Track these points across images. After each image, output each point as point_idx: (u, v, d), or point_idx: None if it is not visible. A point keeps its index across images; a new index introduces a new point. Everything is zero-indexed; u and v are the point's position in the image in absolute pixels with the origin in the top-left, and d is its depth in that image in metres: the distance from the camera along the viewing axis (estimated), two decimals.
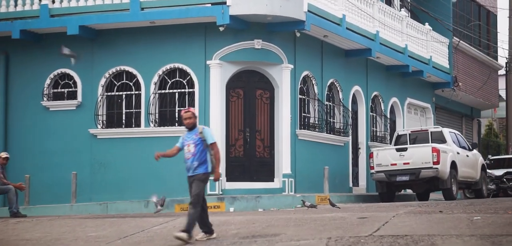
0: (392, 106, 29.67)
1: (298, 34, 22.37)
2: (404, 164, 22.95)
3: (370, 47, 25.66)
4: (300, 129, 23.13)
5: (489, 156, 34.42)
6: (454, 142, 24.57)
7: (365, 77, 27.31)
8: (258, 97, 22.39)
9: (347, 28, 24.18)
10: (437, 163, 22.63)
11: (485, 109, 43.22)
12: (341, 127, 25.25)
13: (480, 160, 26.37)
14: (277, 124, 22.42)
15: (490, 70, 38.80)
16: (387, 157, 23.28)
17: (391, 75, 29.25)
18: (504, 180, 31.37)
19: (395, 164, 23.06)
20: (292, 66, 22.69)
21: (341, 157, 25.47)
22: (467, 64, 35.78)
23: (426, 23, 31.06)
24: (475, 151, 26.24)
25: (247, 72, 22.31)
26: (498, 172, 31.32)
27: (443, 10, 32.85)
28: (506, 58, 40.88)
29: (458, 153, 24.20)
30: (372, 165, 23.49)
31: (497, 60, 40.03)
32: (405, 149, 23.22)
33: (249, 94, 22.30)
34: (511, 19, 41.88)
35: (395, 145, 24.67)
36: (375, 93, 27.97)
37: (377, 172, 23.31)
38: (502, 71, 42.27)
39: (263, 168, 22.28)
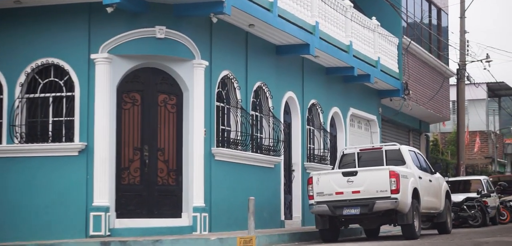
0: (332, 118, 24.92)
1: (214, 20, 17.44)
2: (353, 192, 18.31)
3: (307, 42, 20.88)
4: (217, 146, 18.31)
5: (447, 178, 30.11)
6: (414, 163, 19.89)
7: (300, 80, 22.58)
8: (161, 104, 17.46)
9: (279, 16, 19.38)
10: (396, 191, 18.01)
11: (435, 123, 39.10)
12: (271, 144, 20.40)
13: (444, 185, 21.94)
14: (186, 140, 17.60)
15: (443, 78, 34.53)
16: (330, 183, 18.55)
17: (331, 80, 24.57)
18: (464, 207, 27.36)
19: (342, 193, 18.40)
20: (207, 63, 17.79)
21: (271, 182, 20.63)
22: (418, 70, 31.42)
23: (373, 17, 26.42)
24: (437, 175, 21.65)
25: (146, 70, 17.45)
26: (457, 198, 27.23)
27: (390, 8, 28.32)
28: (458, 64, 36.74)
29: (420, 178, 19.57)
30: (311, 194, 18.71)
31: (448, 65, 35.76)
32: (354, 173, 18.46)
33: (149, 100, 17.42)
34: (462, 20, 37.97)
35: (340, 167, 19.91)
36: (312, 101, 23.21)
37: (318, 203, 18.59)
38: (453, 80, 38.18)
39: (167, 200, 17.46)
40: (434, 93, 32.98)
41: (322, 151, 23.64)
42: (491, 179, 34.03)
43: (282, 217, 21.22)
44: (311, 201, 18.74)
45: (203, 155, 17.58)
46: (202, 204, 17.43)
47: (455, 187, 29.81)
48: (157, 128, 17.42)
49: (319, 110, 23.65)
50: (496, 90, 55.84)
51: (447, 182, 24.43)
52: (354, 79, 25.26)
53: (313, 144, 23.53)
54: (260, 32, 19.74)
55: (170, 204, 17.41)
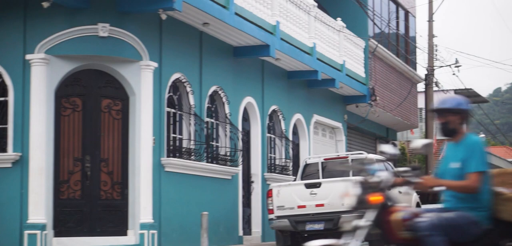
0: (295, 125, 23.55)
1: (164, 17, 15.96)
2: (317, 206, 17.06)
3: (267, 43, 19.48)
4: (168, 156, 16.81)
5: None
6: None
7: (260, 85, 21.21)
8: (104, 110, 16.00)
9: (236, 14, 17.93)
10: None
11: (403, 130, 37.95)
12: (228, 153, 18.95)
13: (414, 196, 20.68)
14: (132, 149, 16.08)
15: (411, 84, 33.36)
16: (292, 196, 17.29)
17: (294, 85, 23.21)
18: None
19: (304, 206, 17.14)
20: (156, 64, 16.33)
21: (228, 195, 19.23)
22: (385, 75, 30.17)
23: (338, 18, 25.12)
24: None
25: (88, 72, 15.99)
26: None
27: (356, 8, 27.12)
28: (427, 69, 35.61)
29: None
30: (271, 208, 17.42)
31: (416, 70, 34.62)
32: (318, 185, 17.16)
33: (91, 106, 15.97)
34: (431, 24, 36.89)
35: (302, 178, 18.61)
36: (273, 107, 21.84)
37: (279, 217, 17.32)
38: (420, 86, 37.06)
39: (111, 216, 15.97)
40: (402, 100, 31.81)
41: (283, 160, 22.28)
42: None
43: (240, 233, 19.81)
44: (271, 215, 17.46)
45: (152, 166, 16.09)
46: (150, 220, 15.93)
47: (424, 198, 28.66)
48: (100, 136, 15.92)
49: (280, 117, 22.29)
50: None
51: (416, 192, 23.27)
52: (318, 84, 23.95)
53: (274, 153, 22.16)
54: (216, 31, 18.33)
55: (115, 220, 15.87)
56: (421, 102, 37.48)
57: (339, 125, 27.14)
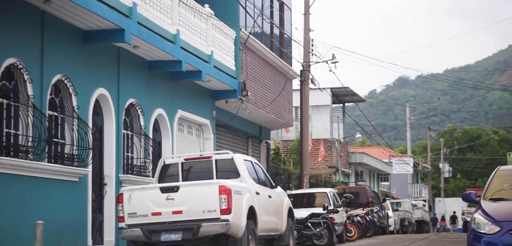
0: (156, 121, 21.52)
1: None
2: (174, 213, 15.20)
3: (122, 27, 17.40)
4: None
5: (289, 191, 27.40)
6: (251, 176, 16.89)
7: (115, 75, 19.14)
8: None
9: None
10: (228, 211, 14.99)
11: (277, 129, 36.46)
12: (75, 151, 16.75)
13: (286, 201, 19.13)
14: None
15: (285, 79, 31.84)
16: (146, 201, 15.40)
17: (155, 76, 21.21)
18: (309, 224, 24.70)
19: (159, 213, 15.26)
20: None
21: (74, 199, 17.06)
22: (258, 68, 28.52)
23: (206, 5, 23.22)
24: (279, 189, 18.74)
25: None
26: (300, 213, 24.58)
27: None
28: (302, 64, 34.24)
29: (257, 193, 16.60)
30: (121, 215, 15.43)
31: (291, 65, 33.11)
32: (175, 189, 15.24)
33: None
34: (307, 17, 35.65)
35: (159, 181, 16.65)
36: (131, 101, 19.80)
37: (130, 226, 15.35)
38: (296, 84, 35.71)
39: None
40: (276, 96, 30.23)
41: (142, 160, 20.21)
42: (336, 191, 31.78)
43: (89, 242, 17.62)
44: (121, 224, 15.47)
45: None
46: None
47: (298, 201, 27.26)
48: None
49: (139, 111, 20.22)
50: (340, 96, 54.25)
51: (289, 195, 21.66)
52: (183, 76, 22.05)
53: (132, 153, 20.08)
54: (60, 11, 16.12)
55: None
56: (296, 99, 36.13)
57: (207, 121, 25.25)
